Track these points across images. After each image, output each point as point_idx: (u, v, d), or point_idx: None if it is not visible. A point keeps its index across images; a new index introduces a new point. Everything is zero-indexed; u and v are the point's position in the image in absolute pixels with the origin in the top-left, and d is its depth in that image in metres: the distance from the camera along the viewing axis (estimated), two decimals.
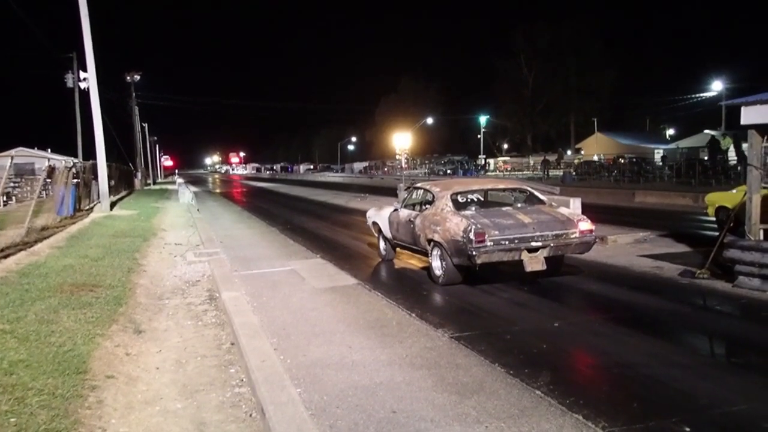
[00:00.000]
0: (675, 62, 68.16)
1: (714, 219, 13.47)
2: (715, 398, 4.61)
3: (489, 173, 57.63)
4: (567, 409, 4.36)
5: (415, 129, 67.45)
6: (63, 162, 21.41)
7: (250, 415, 4.48)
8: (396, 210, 10.65)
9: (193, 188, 48.63)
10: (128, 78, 52.88)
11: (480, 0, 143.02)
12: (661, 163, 38.34)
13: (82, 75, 21.97)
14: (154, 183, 63.27)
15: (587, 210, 13.40)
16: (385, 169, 76.72)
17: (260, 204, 29.38)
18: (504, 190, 11.02)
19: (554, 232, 8.43)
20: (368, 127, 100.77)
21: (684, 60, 77.65)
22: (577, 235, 8.58)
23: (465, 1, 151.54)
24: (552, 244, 8.34)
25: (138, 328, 6.50)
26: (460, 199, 9.82)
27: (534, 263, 8.23)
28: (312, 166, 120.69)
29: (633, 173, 34.24)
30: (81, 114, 35.90)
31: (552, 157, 54.97)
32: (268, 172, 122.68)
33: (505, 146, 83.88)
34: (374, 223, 11.65)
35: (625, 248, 11.60)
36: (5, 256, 10.15)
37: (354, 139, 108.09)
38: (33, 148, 53.00)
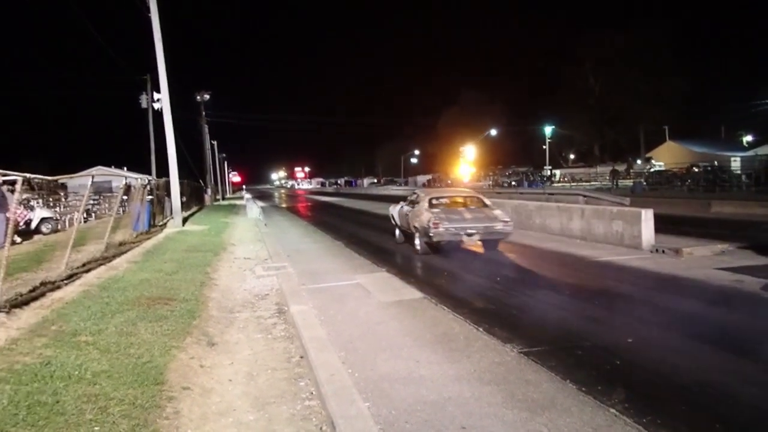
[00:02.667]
0: (752, 66, 65.33)
1: None
2: None
3: (555, 184, 56.52)
4: (644, 429, 4.23)
5: (478, 141, 67.11)
6: (138, 180, 22.28)
7: (321, 429, 4.52)
8: (402, 206, 15.77)
9: (260, 203, 49.70)
10: (198, 98, 54.72)
11: (543, 8, 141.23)
12: (739, 171, 36.77)
13: (156, 96, 22.81)
14: (223, 198, 65.06)
15: (660, 221, 13.07)
16: (448, 181, 76.40)
17: (325, 218, 29.76)
18: (465, 197, 15.07)
19: (484, 225, 12.86)
20: (431, 140, 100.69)
21: (762, 64, 74.42)
22: (499, 227, 12.88)
23: (528, 10, 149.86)
24: (482, 232, 12.76)
25: (211, 341, 6.68)
26: (434, 201, 14.27)
27: (470, 240, 12.83)
28: (375, 180, 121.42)
29: (708, 182, 32.96)
30: (154, 133, 37.38)
31: (621, 167, 53.54)
32: (332, 187, 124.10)
33: (572, 156, 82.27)
34: (391, 215, 17.08)
35: (702, 261, 11.17)
36: (87, 271, 10.62)
37: (417, 152, 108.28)
38: (110, 166, 55.60)
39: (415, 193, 15.85)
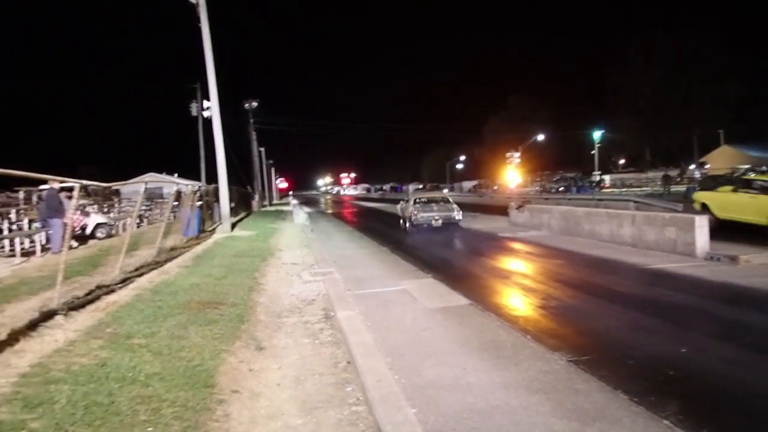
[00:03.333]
0: None
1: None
2: None
3: (605, 190, 55.42)
4: None
5: (525, 146, 66.36)
6: (188, 186, 22.77)
7: None
8: (401, 204, 24.44)
9: (307, 209, 50.19)
10: (246, 105, 55.65)
11: (592, 10, 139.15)
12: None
13: (205, 104, 23.27)
14: (270, 204, 65.86)
15: (715, 229, 12.64)
16: (495, 187, 75.78)
17: (371, 224, 29.83)
18: (437, 197, 23.80)
19: (445, 215, 21.11)
20: (477, 146, 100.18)
21: None
22: (453, 215, 21.15)
23: (575, 13, 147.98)
24: (443, 220, 20.87)
25: (259, 345, 6.77)
26: (417, 200, 22.63)
27: (436, 225, 20.80)
28: (421, 186, 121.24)
29: (766, 189, 31.80)
30: (204, 139, 38.19)
31: (674, 172, 52.18)
32: (377, 192, 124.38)
33: (622, 161, 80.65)
34: (397, 209, 25.25)
35: (760, 269, 10.80)
36: (139, 275, 10.90)
37: (463, 158, 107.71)
38: (161, 173, 57.02)
39: (408, 196, 26.20)
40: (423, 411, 4.83)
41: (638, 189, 53.14)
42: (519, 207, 22.86)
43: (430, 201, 22.90)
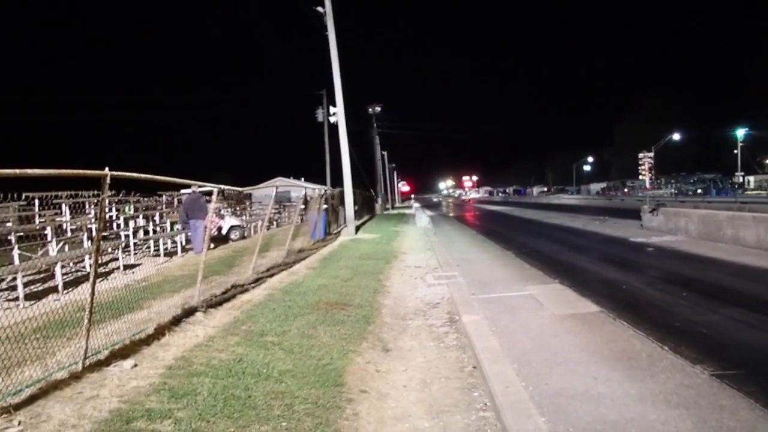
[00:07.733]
0: None
1: None
2: None
3: (748, 192, 51.39)
4: None
5: (659, 147, 62.95)
6: (315, 190, 23.53)
7: None
8: (441, 197, 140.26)
9: (429, 212, 50.37)
10: (369, 110, 56.76)
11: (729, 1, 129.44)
12: None
13: (331, 110, 23.95)
14: (392, 208, 66.80)
15: None
16: (625, 190, 72.43)
17: (494, 227, 29.46)
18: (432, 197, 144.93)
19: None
20: (605, 147, 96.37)
21: None
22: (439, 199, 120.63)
23: (710, 3, 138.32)
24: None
25: (385, 347, 6.86)
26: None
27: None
28: (545, 189, 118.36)
29: None
30: (329, 144, 39.37)
31: None
32: (500, 195, 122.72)
33: None
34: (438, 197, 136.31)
35: None
36: (270, 275, 11.40)
37: (590, 159, 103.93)
38: (289, 177, 59.42)
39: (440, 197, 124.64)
40: (552, 420, 4.68)
41: None
42: (652, 210, 21.68)
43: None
